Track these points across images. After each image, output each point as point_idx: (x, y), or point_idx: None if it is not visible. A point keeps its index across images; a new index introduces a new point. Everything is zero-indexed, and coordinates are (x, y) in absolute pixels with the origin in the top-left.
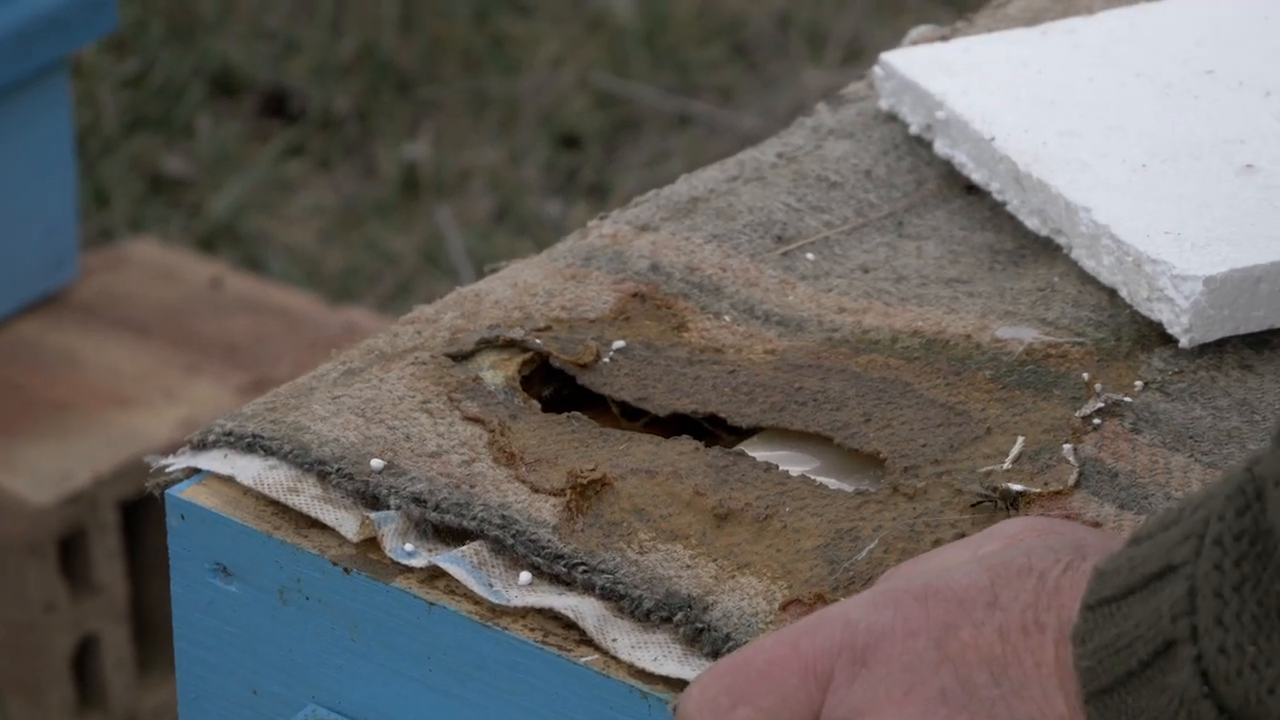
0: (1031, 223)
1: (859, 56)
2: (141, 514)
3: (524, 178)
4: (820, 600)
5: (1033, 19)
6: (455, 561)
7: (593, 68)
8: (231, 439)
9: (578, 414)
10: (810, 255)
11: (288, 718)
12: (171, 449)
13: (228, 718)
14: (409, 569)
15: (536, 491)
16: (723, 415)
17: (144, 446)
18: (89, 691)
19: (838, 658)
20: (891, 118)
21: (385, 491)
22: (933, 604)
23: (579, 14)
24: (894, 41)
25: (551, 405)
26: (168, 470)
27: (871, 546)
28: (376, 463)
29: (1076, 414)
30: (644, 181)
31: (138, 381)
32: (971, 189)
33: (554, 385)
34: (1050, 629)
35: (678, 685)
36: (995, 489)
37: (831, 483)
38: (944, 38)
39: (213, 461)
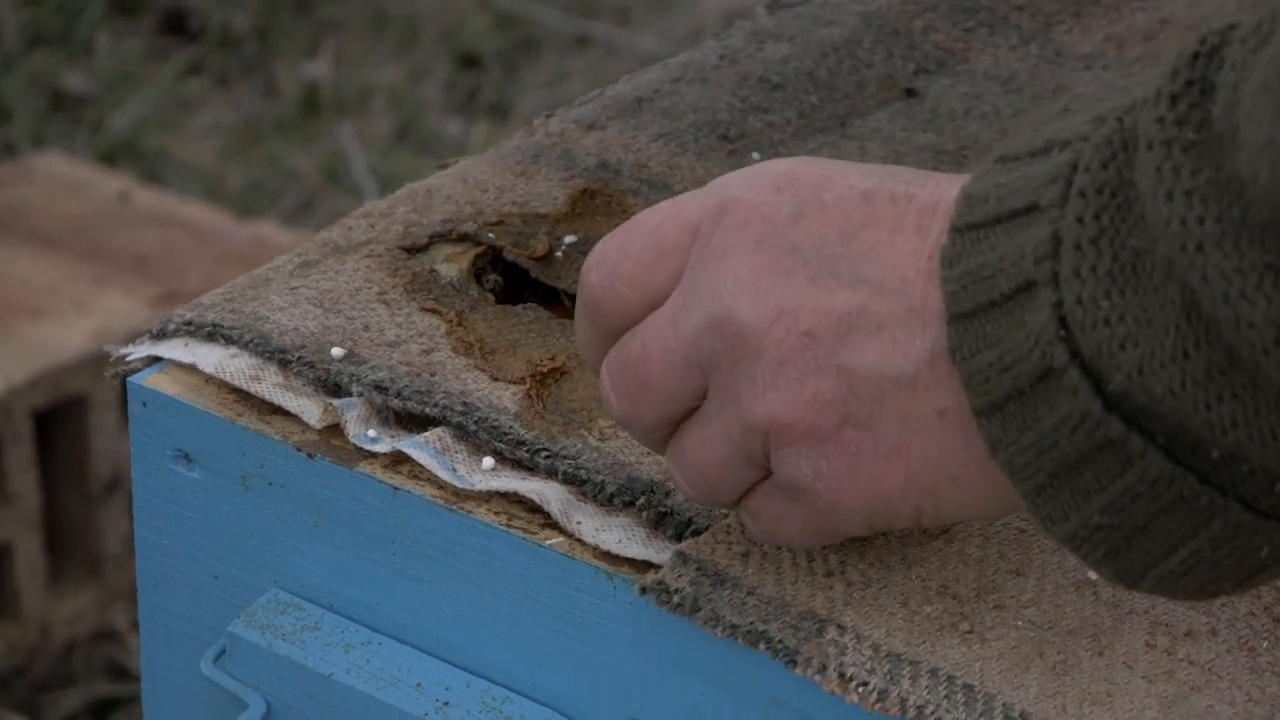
0: None
1: None
2: (53, 424)
3: (425, 97)
4: None
5: None
6: (419, 447)
7: None
8: (191, 328)
9: (533, 305)
10: (756, 155)
11: (249, 602)
12: (84, 360)
13: (188, 603)
14: (372, 455)
15: (496, 380)
16: None
17: (56, 357)
18: (2, 600)
19: (711, 213)
20: (829, 22)
21: (347, 379)
22: (811, 172)
23: None
24: None
25: (501, 299)
26: (128, 359)
27: None
28: (337, 351)
29: None
30: (544, 101)
31: (48, 293)
32: (911, 91)
33: (501, 278)
34: (918, 203)
35: (643, 567)
36: None
37: None
38: None
39: (173, 350)
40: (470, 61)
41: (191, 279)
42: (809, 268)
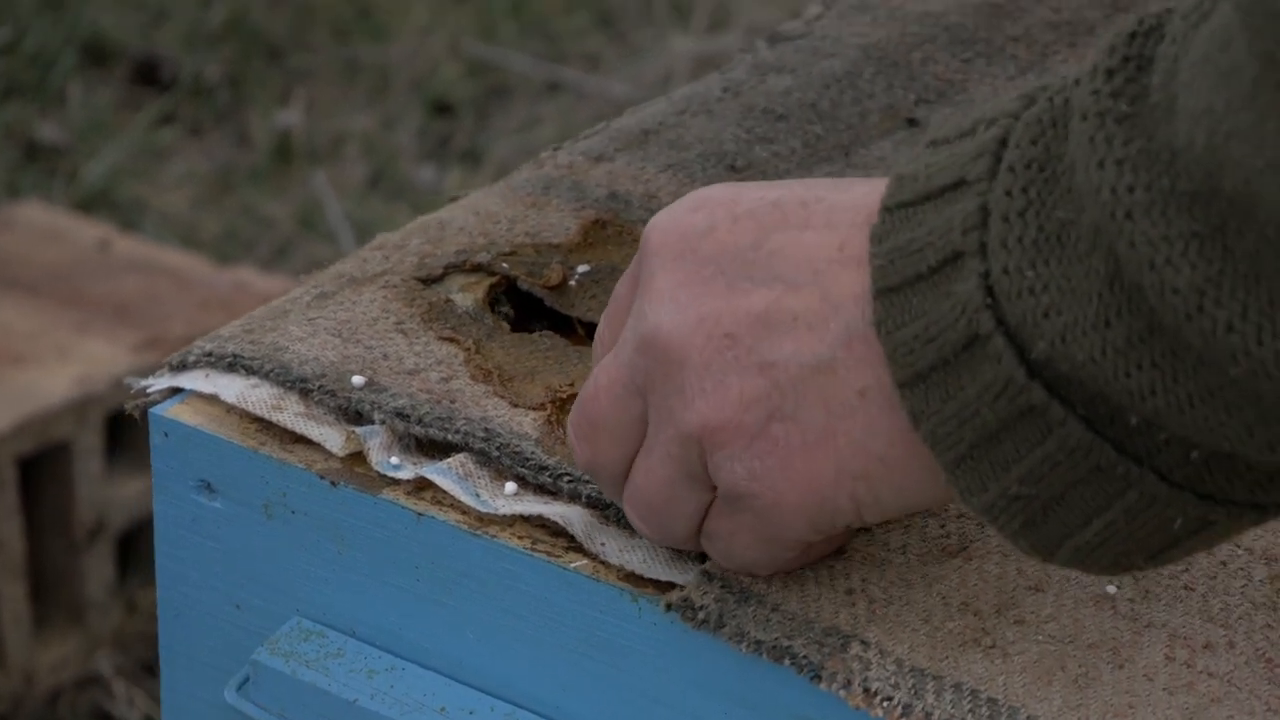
0: None
1: (725, 23)
2: (38, 471)
3: (397, 144)
4: None
5: None
6: (442, 473)
7: (462, 35)
8: (212, 359)
9: (549, 332)
10: None
11: (271, 630)
12: (68, 406)
13: (209, 632)
14: (395, 481)
15: (516, 406)
16: None
17: (40, 404)
18: None
19: (639, 252)
20: (829, 54)
21: (368, 407)
22: (725, 191)
23: None
24: (758, 8)
25: (514, 328)
26: (148, 391)
27: None
28: (358, 379)
29: None
30: (517, 147)
31: (31, 340)
32: (913, 121)
33: (512, 308)
34: (828, 203)
35: (666, 589)
36: None
37: None
38: None
39: (194, 380)
40: (442, 109)
41: (174, 325)
42: (725, 275)
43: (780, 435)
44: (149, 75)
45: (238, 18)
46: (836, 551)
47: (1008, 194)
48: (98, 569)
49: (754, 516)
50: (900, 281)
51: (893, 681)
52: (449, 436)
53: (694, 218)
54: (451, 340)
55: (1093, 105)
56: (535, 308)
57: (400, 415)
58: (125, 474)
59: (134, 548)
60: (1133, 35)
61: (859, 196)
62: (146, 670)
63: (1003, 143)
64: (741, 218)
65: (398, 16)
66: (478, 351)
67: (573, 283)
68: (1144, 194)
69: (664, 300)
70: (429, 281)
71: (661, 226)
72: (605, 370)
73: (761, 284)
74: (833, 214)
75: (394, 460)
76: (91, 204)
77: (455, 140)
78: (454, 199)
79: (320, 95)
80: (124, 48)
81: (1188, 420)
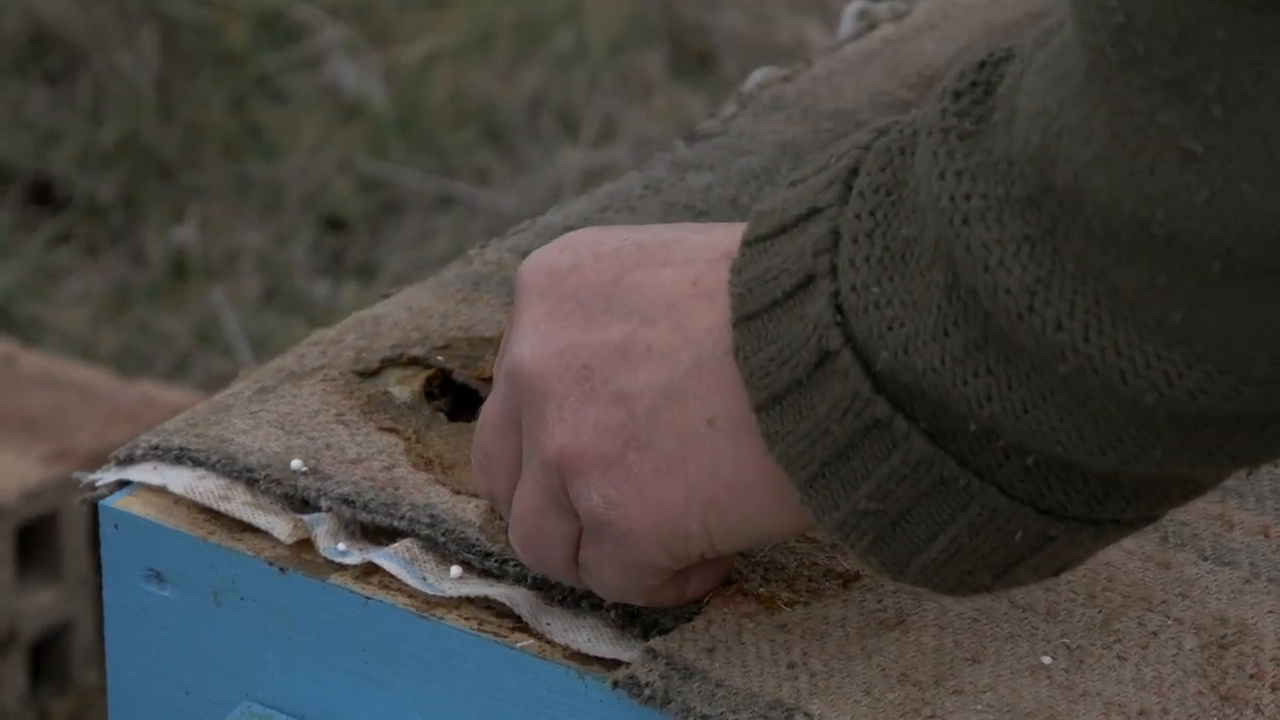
0: None
1: (612, 137)
2: None
3: (292, 259)
4: (740, 589)
5: (865, 61)
6: (389, 557)
7: (352, 152)
8: (159, 452)
9: None
10: None
11: (221, 715)
12: None
13: (160, 719)
14: (343, 567)
15: (458, 494)
16: None
17: None
18: None
19: (514, 290)
20: (746, 151)
21: (314, 494)
22: (592, 232)
23: (333, 102)
24: (645, 122)
25: (452, 418)
26: (97, 485)
27: None
28: (296, 463)
29: None
30: (410, 261)
31: None
32: None
33: (446, 400)
34: (688, 242)
35: (612, 667)
36: None
37: None
38: (786, 79)
39: (143, 473)
40: (335, 224)
41: (82, 437)
42: (585, 309)
43: (635, 463)
44: (43, 196)
45: (129, 138)
46: (775, 625)
47: (857, 217)
48: (10, 679)
49: (614, 544)
50: (757, 309)
51: None
52: (394, 522)
53: (560, 256)
54: (392, 430)
55: (938, 122)
56: (471, 399)
57: (346, 502)
58: (36, 584)
59: (46, 657)
60: (982, 64)
61: (717, 237)
62: None
63: (854, 171)
64: (605, 256)
65: (288, 134)
66: (418, 441)
67: None
68: (980, 201)
69: (527, 334)
70: (366, 375)
71: (531, 265)
72: (490, 403)
73: (619, 318)
74: (690, 252)
75: (341, 546)
76: None
77: (349, 255)
78: (386, 296)
79: (213, 213)
80: (17, 169)
81: (1023, 425)
